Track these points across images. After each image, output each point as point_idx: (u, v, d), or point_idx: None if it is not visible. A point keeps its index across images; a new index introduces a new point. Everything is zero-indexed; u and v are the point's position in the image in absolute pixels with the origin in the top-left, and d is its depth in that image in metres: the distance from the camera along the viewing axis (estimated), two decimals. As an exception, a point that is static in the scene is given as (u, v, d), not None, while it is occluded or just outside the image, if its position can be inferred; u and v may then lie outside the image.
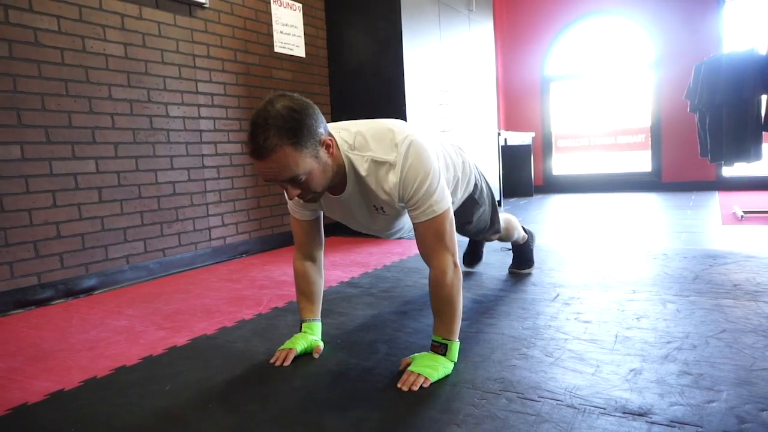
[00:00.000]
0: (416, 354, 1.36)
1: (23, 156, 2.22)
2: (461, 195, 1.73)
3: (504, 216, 2.08)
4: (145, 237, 2.70)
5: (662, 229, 3.24)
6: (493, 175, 4.89)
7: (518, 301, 1.91)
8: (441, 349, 1.32)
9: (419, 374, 1.26)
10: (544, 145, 6.29)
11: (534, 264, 2.33)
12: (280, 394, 1.26)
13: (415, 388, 1.23)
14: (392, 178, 1.26)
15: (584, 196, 5.53)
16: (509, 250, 2.43)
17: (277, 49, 3.46)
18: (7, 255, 2.19)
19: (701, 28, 5.23)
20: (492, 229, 1.97)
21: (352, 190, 1.33)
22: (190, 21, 2.90)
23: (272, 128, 1.11)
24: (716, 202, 4.39)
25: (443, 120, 4.04)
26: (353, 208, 1.40)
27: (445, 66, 4.10)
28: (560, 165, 6.34)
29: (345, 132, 1.31)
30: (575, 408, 1.10)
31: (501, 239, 2.12)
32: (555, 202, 5.23)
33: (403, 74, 3.56)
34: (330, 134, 1.25)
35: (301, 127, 1.13)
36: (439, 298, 1.32)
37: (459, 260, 1.36)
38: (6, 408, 1.28)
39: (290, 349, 1.44)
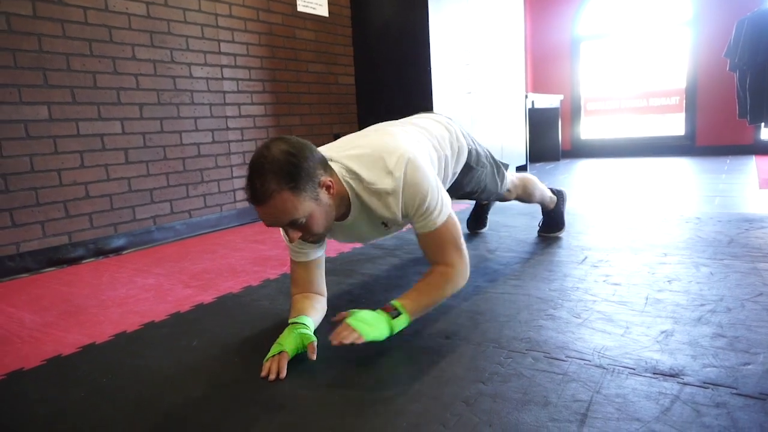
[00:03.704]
0: (357, 309, 1.25)
1: (51, 116, 2.24)
2: (457, 168, 1.71)
3: (518, 175, 2.06)
4: (171, 198, 2.73)
5: (695, 194, 3.14)
6: (519, 139, 4.79)
7: (545, 263, 1.88)
8: (393, 313, 1.21)
9: (354, 330, 1.15)
10: (573, 108, 6.11)
11: (564, 227, 2.29)
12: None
13: (346, 342, 1.13)
14: (393, 204, 1.24)
15: (614, 161, 5.38)
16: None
17: (299, 8, 3.39)
18: (39, 214, 2.23)
19: (745, -18, 4.94)
20: (502, 186, 1.95)
21: (357, 214, 1.30)
22: (212, -21, 2.85)
23: (269, 173, 1.08)
24: (753, 166, 4.23)
25: (468, 81, 3.94)
26: (361, 229, 1.38)
27: (472, 25, 3.97)
28: (589, 129, 6.16)
29: (338, 163, 1.27)
30: (604, 368, 1.08)
31: (520, 199, 2.10)
32: (583, 166, 5.11)
33: (428, 34, 3.47)
34: (330, 172, 1.21)
35: (299, 170, 1.10)
36: (433, 284, 1.29)
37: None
38: (42, 359, 1.32)
39: (281, 353, 1.18)
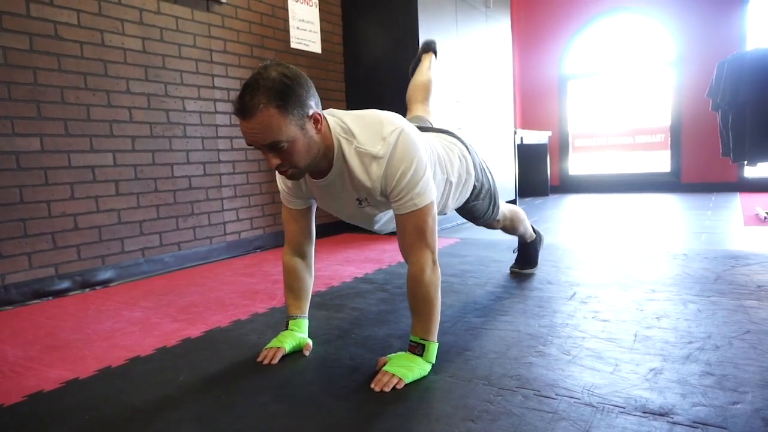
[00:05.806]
0: (393, 354, 1.32)
1: (42, 148, 2.24)
2: (461, 199, 1.73)
3: (510, 207, 2.07)
4: (160, 230, 2.72)
5: (681, 230, 3.18)
6: (508, 174, 4.85)
7: (534, 299, 1.88)
8: (418, 349, 1.28)
9: (393, 375, 1.22)
10: (561, 145, 6.22)
11: (537, 265, 2.29)
12: (294, 386, 1.25)
13: (387, 389, 1.19)
14: (376, 170, 1.24)
15: (601, 197, 5.46)
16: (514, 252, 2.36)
17: (293, 45, 3.46)
18: (26, 246, 2.21)
19: (724, 25, 5.13)
20: (492, 217, 1.94)
21: (337, 175, 1.30)
22: (208, 16, 2.91)
23: (261, 89, 1.11)
24: (737, 203, 4.30)
25: (458, 117, 4.01)
26: (335, 195, 1.37)
27: (462, 63, 4.07)
28: (577, 164, 6.26)
29: (336, 118, 1.30)
30: (593, 406, 1.08)
31: (506, 230, 2.10)
32: (571, 201, 5.16)
33: (419, 71, 3.54)
34: (321, 112, 1.24)
35: (290, 93, 1.13)
36: (416, 296, 1.29)
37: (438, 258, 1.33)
38: (22, 395, 1.28)
39: (278, 347, 1.41)
